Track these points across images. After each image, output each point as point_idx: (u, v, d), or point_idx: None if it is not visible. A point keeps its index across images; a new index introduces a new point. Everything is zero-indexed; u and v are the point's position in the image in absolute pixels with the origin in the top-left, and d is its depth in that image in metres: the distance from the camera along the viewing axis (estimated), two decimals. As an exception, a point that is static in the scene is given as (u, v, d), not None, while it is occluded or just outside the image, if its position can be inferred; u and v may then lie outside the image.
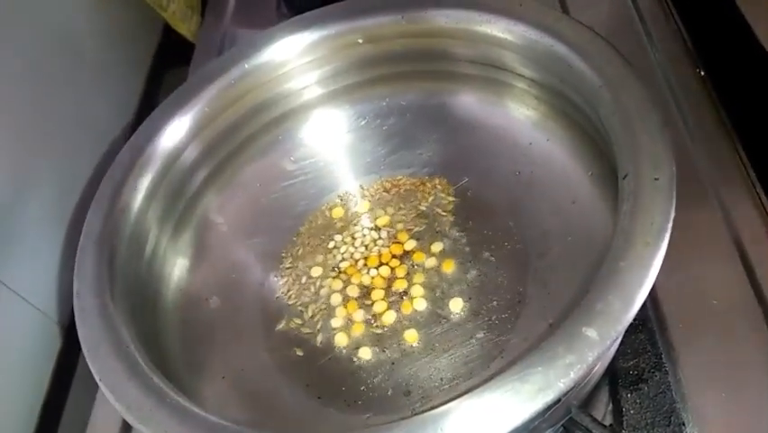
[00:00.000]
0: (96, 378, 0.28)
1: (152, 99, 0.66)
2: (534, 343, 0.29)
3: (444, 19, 0.40)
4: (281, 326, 0.39)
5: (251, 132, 0.43)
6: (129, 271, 0.34)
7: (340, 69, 0.43)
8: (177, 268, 0.39)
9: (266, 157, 0.44)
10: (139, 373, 0.28)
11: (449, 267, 0.40)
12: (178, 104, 0.40)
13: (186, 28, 0.70)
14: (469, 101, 0.43)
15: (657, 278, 0.27)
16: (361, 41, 0.42)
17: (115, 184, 0.36)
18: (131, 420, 0.27)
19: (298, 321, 0.39)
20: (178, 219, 0.40)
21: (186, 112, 0.39)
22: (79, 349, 0.46)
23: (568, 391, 0.25)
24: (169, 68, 0.69)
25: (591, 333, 0.25)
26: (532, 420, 0.26)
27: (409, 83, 0.44)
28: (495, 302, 0.37)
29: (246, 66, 0.41)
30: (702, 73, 0.50)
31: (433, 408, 0.27)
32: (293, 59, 0.42)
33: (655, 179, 0.29)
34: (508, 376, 0.26)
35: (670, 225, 0.28)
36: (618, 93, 0.33)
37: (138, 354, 0.29)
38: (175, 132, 0.39)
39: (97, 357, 0.29)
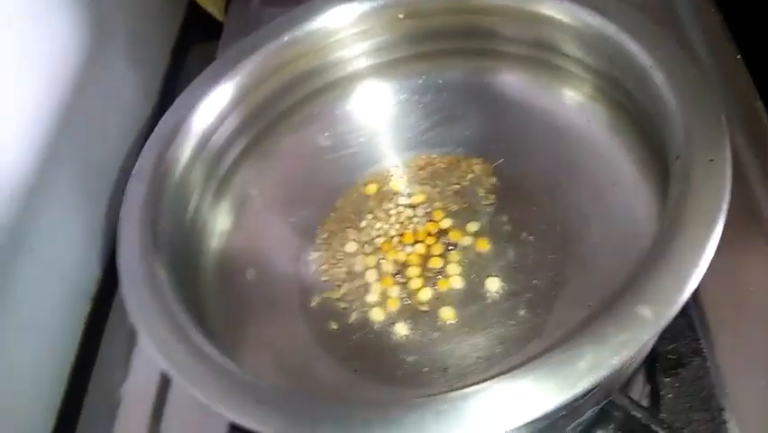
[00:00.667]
0: (147, 341, 0.28)
1: (177, 75, 0.66)
2: (574, 325, 0.28)
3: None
4: (317, 299, 0.39)
5: (290, 104, 0.43)
6: (171, 240, 0.34)
7: (382, 44, 0.43)
8: (215, 238, 0.39)
9: (304, 129, 0.43)
10: (187, 336, 0.29)
11: (485, 246, 0.40)
12: (219, 72, 0.39)
13: (211, 3, 0.70)
14: (511, 80, 0.43)
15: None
16: (401, 15, 0.41)
17: (157, 151, 0.36)
18: (180, 381, 0.27)
19: (334, 295, 0.39)
20: (218, 188, 0.40)
21: (227, 80, 0.39)
22: (106, 318, 0.48)
23: (620, 369, 0.25)
24: (193, 43, 0.69)
25: (646, 312, 0.25)
26: (578, 398, 0.26)
27: (451, 60, 0.43)
28: (532, 283, 0.37)
29: (286, 37, 0.41)
30: (740, 57, 0.49)
31: (475, 383, 0.26)
32: (336, 31, 0.41)
33: (710, 160, 0.29)
34: (559, 354, 0.26)
35: (725, 206, 0.27)
36: (670, 74, 0.32)
37: (182, 316, 0.30)
38: (216, 100, 0.39)
39: (146, 321, 0.29)
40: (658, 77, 0.33)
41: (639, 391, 0.36)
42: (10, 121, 0.42)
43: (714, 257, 0.39)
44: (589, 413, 0.31)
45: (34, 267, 0.43)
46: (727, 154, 0.29)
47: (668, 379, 0.35)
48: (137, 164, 0.36)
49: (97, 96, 0.52)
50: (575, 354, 0.25)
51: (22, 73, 0.44)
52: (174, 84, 0.65)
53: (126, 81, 0.58)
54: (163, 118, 0.38)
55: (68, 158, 0.48)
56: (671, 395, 0.35)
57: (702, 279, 0.38)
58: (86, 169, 0.50)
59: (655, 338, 0.33)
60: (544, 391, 0.25)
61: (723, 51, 0.49)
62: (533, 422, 0.25)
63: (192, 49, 0.70)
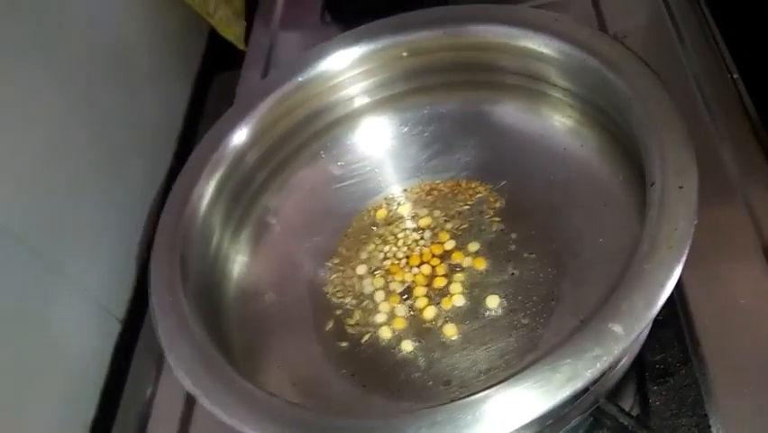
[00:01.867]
0: (174, 367, 0.32)
1: (200, 103, 0.68)
2: (565, 337, 0.31)
3: (483, 34, 0.42)
4: (329, 319, 0.42)
5: (302, 140, 0.46)
6: (197, 270, 0.38)
7: (385, 80, 0.46)
8: (236, 266, 0.43)
9: (316, 162, 0.47)
10: (211, 361, 0.32)
11: (486, 266, 0.42)
12: (239, 114, 0.43)
13: (232, 34, 0.72)
14: (506, 109, 0.46)
15: (685, 276, 0.29)
16: (405, 54, 0.45)
17: (184, 190, 0.40)
18: (206, 404, 0.30)
19: (345, 315, 0.42)
20: (238, 220, 0.43)
21: (246, 121, 0.43)
22: (135, 343, 0.51)
23: (594, 381, 0.28)
24: (216, 72, 0.72)
25: (617, 328, 0.28)
26: (561, 407, 0.29)
27: (449, 92, 0.46)
28: (530, 300, 0.39)
29: (299, 79, 0.44)
30: (734, 76, 0.51)
31: (470, 394, 0.29)
32: (342, 71, 0.45)
33: (680, 187, 0.31)
34: (541, 367, 0.28)
35: (692, 230, 0.30)
36: (647, 105, 0.35)
37: (208, 344, 0.33)
38: (237, 140, 0.43)
39: (174, 349, 0.33)
40: (636, 108, 0.35)
41: (628, 399, 0.38)
42: (44, 152, 0.45)
43: (704, 268, 0.41)
44: (576, 421, 0.33)
45: (67, 290, 0.45)
46: (696, 182, 0.31)
47: (656, 387, 0.37)
48: (167, 202, 0.40)
49: (124, 126, 0.55)
50: (554, 367, 0.28)
51: (51, 106, 0.47)
52: (198, 113, 0.67)
53: (151, 111, 0.60)
54: (189, 158, 0.42)
55: (99, 186, 0.50)
56: (659, 402, 0.37)
57: (691, 290, 0.41)
58: (116, 196, 0.52)
59: (635, 350, 0.35)
60: (525, 402, 0.28)
61: (715, 72, 0.51)
62: (520, 430, 0.28)
63: (214, 78, 0.73)
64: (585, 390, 0.29)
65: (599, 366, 0.27)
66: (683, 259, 0.29)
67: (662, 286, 0.29)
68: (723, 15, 0.55)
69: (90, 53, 0.52)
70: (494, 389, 0.29)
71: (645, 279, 0.29)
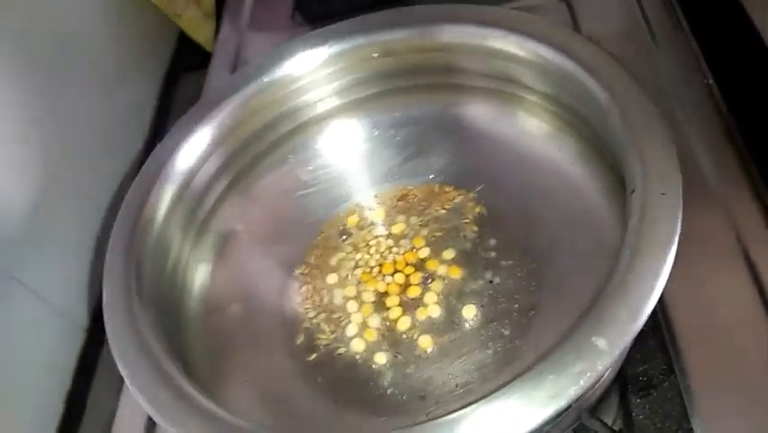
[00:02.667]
0: (128, 383, 0.30)
1: (168, 105, 0.67)
2: (545, 350, 0.30)
3: (458, 34, 0.41)
4: (299, 331, 0.40)
5: (268, 143, 0.44)
6: (154, 281, 0.36)
7: (355, 82, 0.44)
8: (198, 276, 0.40)
9: (283, 167, 0.45)
10: (168, 378, 0.30)
11: (462, 274, 0.41)
12: (199, 116, 0.41)
13: (201, 35, 0.71)
14: (481, 113, 0.44)
15: (667, 287, 0.28)
16: (376, 54, 0.43)
17: (140, 196, 0.38)
18: (161, 423, 0.28)
19: (316, 327, 0.41)
20: (199, 229, 0.41)
21: (205, 125, 0.41)
22: (100, 350, 0.49)
23: (578, 399, 0.27)
24: (184, 73, 0.71)
25: (601, 342, 0.27)
26: (543, 426, 0.27)
27: (423, 95, 0.45)
28: (508, 310, 0.38)
29: (265, 79, 0.43)
30: (709, 81, 0.51)
31: (447, 413, 0.28)
32: (311, 71, 0.43)
33: (662, 193, 0.30)
34: (521, 383, 0.27)
35: (676, 239, 0.29)
36: (626, 109, 0.34)
37: (166, 360, 0.31)
38: (196, 144, 0.40)
39: (128, 364, 0.31)
40: (615, 112, 0.34)
41: (611, 412, 0.37)
42: (2, 156, 0.44)
43: (685, 278, 0.40)
44: (559, 437, 0.32)
45: (28, 300, 0.44)
46: (679, 189, 0.30)
47: (639, 400, 0.36)
48: (122, 208, 0.38)
49: (90, 129, 0.54)
50: (535, 384, 0.27)
51: (11, 108, 0.45)
52: (165, 115, 0.66)
53: (118, 113, 0.59)
54: (147, 161, 0.40)
55: (61, 193, 0.49)
56: (642, 416, 0.36)
57: (673, 301, 0.40)
58: (78, 202, 0.51)
59: (618, 364, 0.34)
60: (509, 420, 0.26)
61: (692, 77, 0.51)
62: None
63: (182, 79, 0.71)
64: (568, 406, 0.27)
65: (583, 383, 0.26)
66: (668, 268, 0.28)
67: (647, 297, 0.27)
68: (697, 20, 0.55)
69: (56, 53, 0.51)
70: (473, 406, 0.27)
71: (629, 290, 0.28)
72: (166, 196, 0.38)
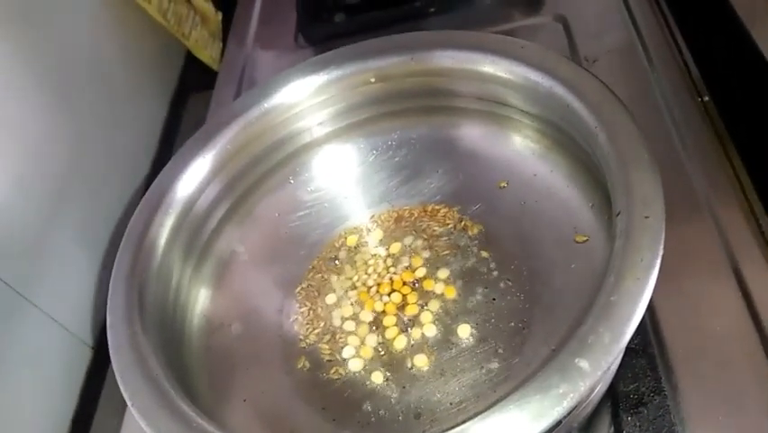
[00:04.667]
0: (129, 404, 0.31)
1: (176, 123, 0.69)
2: (536, 369, 0.30)
3: (450, 60, 0.42)
4: (298, 351, 0.41)
5: (267, 167, 0.46)
6: (157, 303, 0.37)
7: (352, 106, 0.46)
8: (200, 297, 0.42)
9: (282, 190, 0.46)
10: (168, 399, 0.31)
11: (457, 293, 0.41)
12: (199, 144, 0.42)
13: (207, 56, 0.73)
14: (475, 135, 0.45)
15: (657, 300, 0.28)
16: (373, 80, 0.44)
17: (143, 222, 0.39)
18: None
19: (314, 346, 0.41)
20: (201, 252, 0.42)
21: (207, 152, 0.42)
22: (107, 369, 0.50)
23: (562, 419, 0.27)
24: (191, 93, 0.72)
25: (584, 364, 0.27)
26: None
27: (418, 118, 0.46)
28: (501, 329, 0.39)
29: (265, 105, 0.44)
30: (703, 99, 0.51)
31: (442, 431, 0.29)
32: (306, 98, 0.44)
33: (646, 217, 0.31)
34: (507, 404, 0.28)
35: (658, 261, 0.29)
36: (612, 134, 0.35)
37: (167, 381, 0.32)
38: (197, 171, 0.42)
39: (130, 386, 0.32)
40: (602, 137, 0.35)
41: (603, 429, 0.37)
42: (12, 176, 0.44)
43: (677, 294, 0.41)
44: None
45: (35, 318, 0.45)
46: (662, 212, 0.31)
47: (630, 417, 0.37)
48: (125, 234, 0.39)
49: (98, 150, 0.55)
50: (521, 405, 0.28)
51: (22, 129, 0.46)
52: (173, 134, 0.67)
53: (126, 133, 0.60)
54: (149, 190, 0.41)
55: (69, 212, 0.50)
56: (632, 433, 0.36)
57: (664, 318, 0.41)
58: (87, 222, 0.52)
59: (609, 380, 0.35)
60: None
61: (685, 95, 0.51)
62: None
63: (190, 99, 0.73)
64: (558, 423, 0.28)
65: (566, 404, 0.27)
66: (650, 291, 0.29)
67: (629, 319, 0.28)
68: (693, 38, 0.56)
69: (66, 74, 0.52)
70: (461, 427, 0.28)
71: (612, 312, 0.29)
72: (167, 224, 0.39)
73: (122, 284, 0.36)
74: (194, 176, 0.41)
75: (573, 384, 0.27)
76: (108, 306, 0.35)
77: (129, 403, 0.31)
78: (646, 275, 0.29)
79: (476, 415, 0.28)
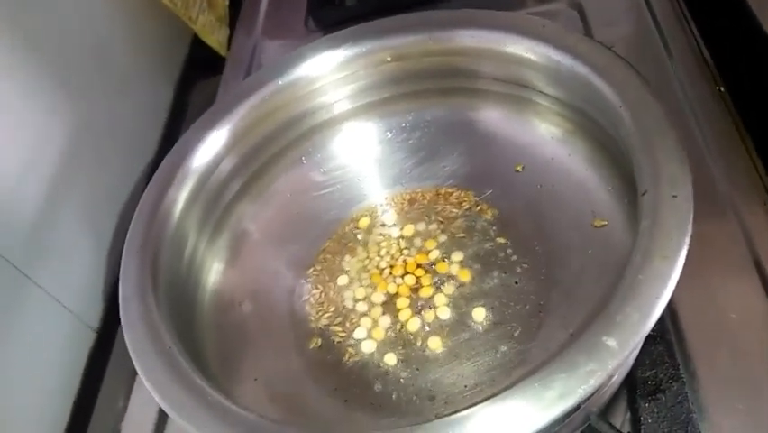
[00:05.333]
0: (143, 378, 0.30)
1: (182, 109, 0.68)
2: (555, 352, 0.30)
3: (469, 39, 0.41)
4: (309, 331, 0.41)
5: (282, 145, 0.45)
6: (169, 277, 0.36)
7: (369, 86, 0.45)
8: (212, 273, 0.41)
9: (297, 169, 0.45)
10: (182, 374, 0.30)
11: (472, 276, 0.41)
12: (215, 118, 0.42)
13: (215, 40, 0.72)
14: (492, 116, 0.45)
15: (676, 291, 0.28)
16: (389, 58, 0.43)
17: (157, 194, 0.38)
18: (175, 418, 0.29)
19: (326, 327, 0.41)
20: (215, 227, 0.42)
21: (222, 126, 0.41)
22: (110, 351, 0.49)
23: (588, 398, 0.27)
24: (197, 78, 0.71)
25: (611, 342, 0.27)
26: (552, 425, 0.27)
27: (435, 99, 0.45)
28: (517, 312, 0.38)
29: (280, 82, 0.43)
30: (721, 89, 0.51)
31: (456, 412, 0.28)
32: (325, 75, 0.44)
33: (674, 196, 0.30)
34: (531, 382, 0.27)
35: (687, 240, 0.29)
36: (637, 113, 0.34)
37: (180, 355, 0.31)
38: (212, 144, 0.41)
39: (143, 360, 0.31)
40: (626, 116, 0.34)
41: (620, 416, 0.37)
42: (17, 158, 0.44)
43: (695, 283, 0.40)
44: (568, 438, 0.32)
45: (39, 300, 0.45)
46: (690, 190, 0.30)
47: (647, 404, 0.36)
48: (138, 206, 0.38)
49: (103, 132, 0.54)
50: (546, 383, 0.27)
51: (27, 111, 0.46)
52: (179, 119, 0.67)
53: (131, 117, 0.60)
54: (163, 162, 0.40)
55: (73, 193, 0.49)
56: (650, 419, 0.36)
57: (682, 304, 0.40)
58: (91, 204, 0.52)
59: (628, 365, 0.34)
60: (517, 419, 0.26)
61: (703, 85, 0.51)
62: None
63: (196, 84, 0.72)
64: (577, 407, 0.27)
65: (594, 382, 0.26)
66: (679, 270, 0.28)
67: (658, 298, 0.27)
68: (708, 27, 0.55)
69: (71, 57, 0.52)
70: (480, 405, 0.27)
71: (640, 290, 0.28)
72: (183, 193, 0.39)
73: (134, 258, 0.35)
74: (208, 150, 0.41)
75: (601, 363, 0.26)
76: (120, 279, 0.35)
77: (143, 378, 0.30)
78: (675, 255, 0.28)
79: (500, 391, 0.27)
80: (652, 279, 0.28)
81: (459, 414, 0.28)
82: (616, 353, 0.27)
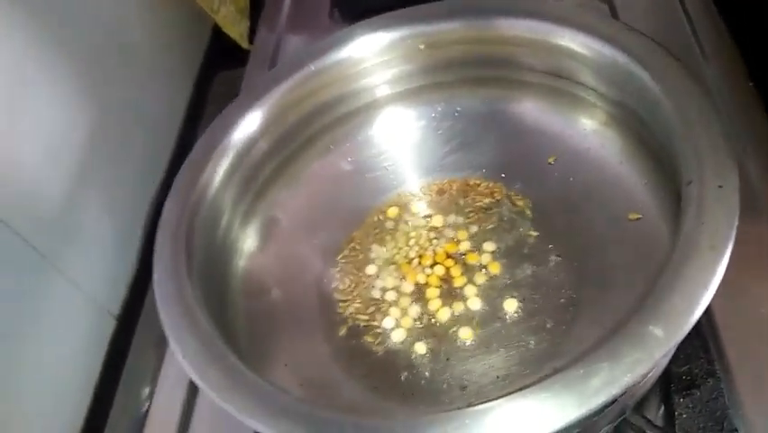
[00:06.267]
0: (180, 358, 0.30)
1: (202, 99, 0.68)
2: (592, 343, 0.29)
3: (506, 27, 0.41)
4: (339, 319, 0.40)
5: (315, 130, 0.45)
6: (202, 260, 0.36)
7: (402, 73, 0.45)
8: (243, 259, 0.41)
9: (328, 155, 0.45)
10: (219, 354, 0.30)
11: (503, 267, 0.40)
12: (249, 101, 0.41)
13: (236, 31, 0.72)
14: (526, 107, 0.44)
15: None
16: (422, 46, 0.43)
17: (191, 175, 0.38)
18: (215, 398, 0.28)
19: (355, 315, 0.41)
20: (246, 212, 0.41)
21: (257, 109, 0.41)
22: (131, 339, 0.49)
23: (630, 388, 0.26)
24: (218, 69, 0.71)
25: (658, 331, 0.26)
26: (590, 416, 0.27)
27: (469, 88, 0.45)
28: (549, 304, 0.38)
29: (312, 67, 0.43)
30: (753, 84, 0.50)
31: (492, 400, 0.28)
32: (357, 62, 0.43)
33: (719, 186, 0.30)
34: (574, 371, 0.27)
35: (734, 230, 0.28)
36: (680, 102, 0.34)
37: (214, 335, 0.31)
38: (247, 127, 0.41)
39: (180, 339, 0.31)
40: (668, 105, 0.34)
41: (654, 410, 0.36)
42: (41, 145, 0.44)
43: (728, 280, 0.40)
44: (603, 431, 0.32)
45: (61, 287, 0.45)
46: (736, 181, 0.30)
47: (682, 399, 0.36)
48: (174, 184, 0.38)
49: (126, 120, 0.54)
50: (590, 372, 0.26)
51: (53, 100, 0.46)
52: (199, 109, 0.66)
53: (153, 105, 0.60)
54: (198, 142, 0.40)
55: (96, 181, 0.49)
56: (685, 415, 0.35)
57: (716, 301, 0.39)
58: (113, 192, 0.52)
59: (668, 358, 0.34)
60: (558, 407, 0.26)
61: (736, 81, 0.50)
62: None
63: (216, 75, 0.72)
64: (614, 399, 0.27)
65: (639, 370, 0.26)
66: (725, 261, 0.28)
67: (705, 287, 0.27)
68: (738, 22, 0.54)
69: (92, 47, 0.52)
70: (524, 391, 0.27)
71: (687, 280, 0.28)
72: (217, 177, 0.39)
73: (169, 237, 0.35)
74: (245, 130, 0.41)
75: (647, 351, 0.26)
76: (155, 260, 0.34)
77: (180, 357, 0.30)
78: (723, 245, 0.28)
79: (540, 380, 0.27)
80: (699, 269, 0.28)
81: (495, 401, 0.27)
82: (662, 342, 0.26)
